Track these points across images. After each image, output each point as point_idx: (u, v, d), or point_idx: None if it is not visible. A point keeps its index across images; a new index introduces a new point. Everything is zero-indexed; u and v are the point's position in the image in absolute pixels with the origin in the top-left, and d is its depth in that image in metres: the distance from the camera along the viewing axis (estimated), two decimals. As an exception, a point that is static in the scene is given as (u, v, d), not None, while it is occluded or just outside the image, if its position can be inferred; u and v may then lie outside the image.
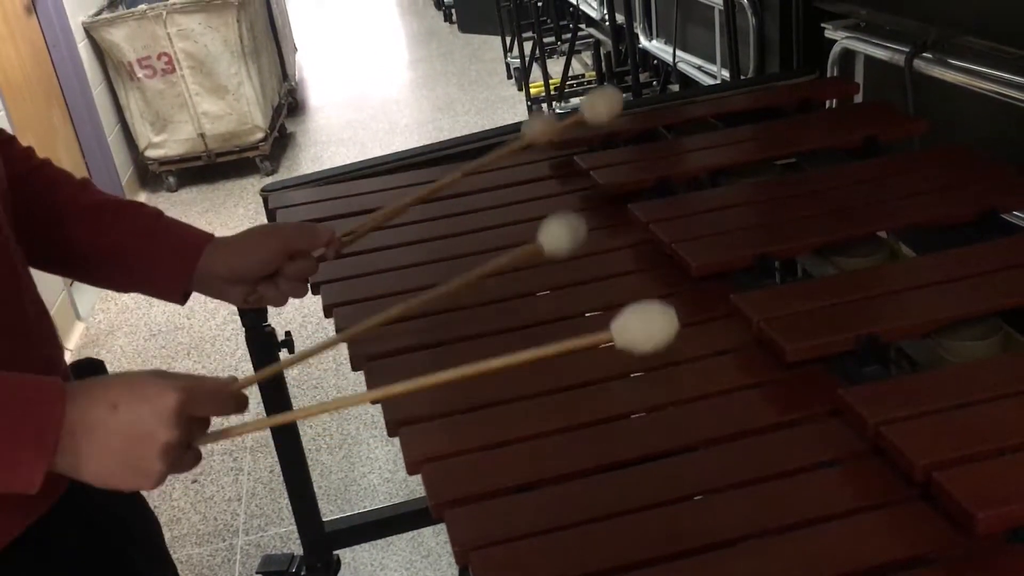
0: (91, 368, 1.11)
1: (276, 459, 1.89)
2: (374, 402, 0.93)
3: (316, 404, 1.04)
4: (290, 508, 1.93)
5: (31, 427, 0.77)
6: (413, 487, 2.51)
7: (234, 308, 1.39)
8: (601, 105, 1.16)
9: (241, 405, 0.88)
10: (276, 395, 1.75)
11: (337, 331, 1.21)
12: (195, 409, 0.82)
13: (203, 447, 0.86)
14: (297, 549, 1.98)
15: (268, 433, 1.88)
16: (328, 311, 1.28)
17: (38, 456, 0.77)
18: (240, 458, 2.80)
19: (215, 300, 1.15)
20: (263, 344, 1.70)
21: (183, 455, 0.83)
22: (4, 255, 0.94)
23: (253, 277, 1.07)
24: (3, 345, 0.91)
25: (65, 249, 1.07)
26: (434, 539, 2.33)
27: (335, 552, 1.98)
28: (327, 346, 1.02)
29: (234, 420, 0.90)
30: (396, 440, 1.01)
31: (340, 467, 2.69)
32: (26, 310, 0.97)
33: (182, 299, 1.09)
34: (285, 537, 2.45)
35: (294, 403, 1.85)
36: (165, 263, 1.07)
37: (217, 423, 0.88)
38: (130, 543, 1.10)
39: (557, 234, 0.99)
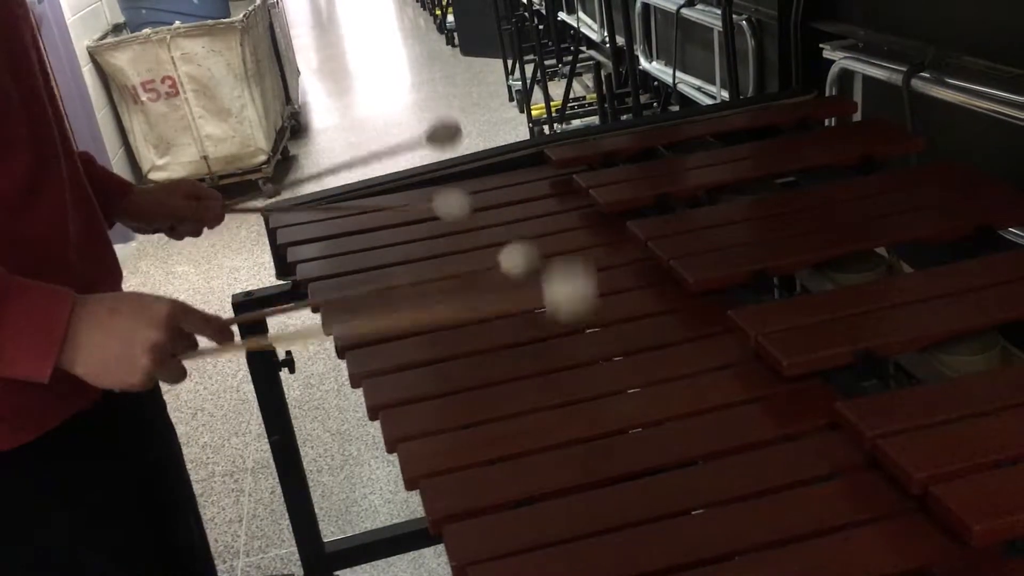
0: None
1: (277, 480, 1.89)
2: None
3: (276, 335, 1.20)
4: (291, 529, 1.93)
5: (44, 324, 0.92)
6: (414, 508, 2.50)
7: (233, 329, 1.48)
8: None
9: (222, 332, 1.03)
10: (277, 414, 1.76)
11: (338, 351, 1.22)
12: (182, 322, 0.97)
13: (186, 381, 1.02)
14: (298, 570, 1.98)
15: (269, 455, 1.89)
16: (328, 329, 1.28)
17: (48, 348, 0.92)
18: (241, 479, 2.80)
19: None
20: (264, 364, 1.70)
21: (168, 361, 0.96)
22: (87, 198, 1.15)
23: (153, 227, 1.36)
24: (89, 275, 1.09)
25: None
26: (435, 560, 2.32)
27: (336, 573, 1.98)
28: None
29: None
30: (397, 461, 1.01)
31: (341, 488, 2.69)
32: (106, 245, 1.19)
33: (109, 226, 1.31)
34: (286, 559, 2.44)
35: (295, 424, 1.85)
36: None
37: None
38: (162, 457, 1.29)
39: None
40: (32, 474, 1.08)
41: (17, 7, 1.08)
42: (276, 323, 1.88)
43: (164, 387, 1.36)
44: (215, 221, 1.39)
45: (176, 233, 1.38)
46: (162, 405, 1.36)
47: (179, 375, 0.99)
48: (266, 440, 1.83)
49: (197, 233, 1.39)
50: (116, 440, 1.17)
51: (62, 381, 0.97)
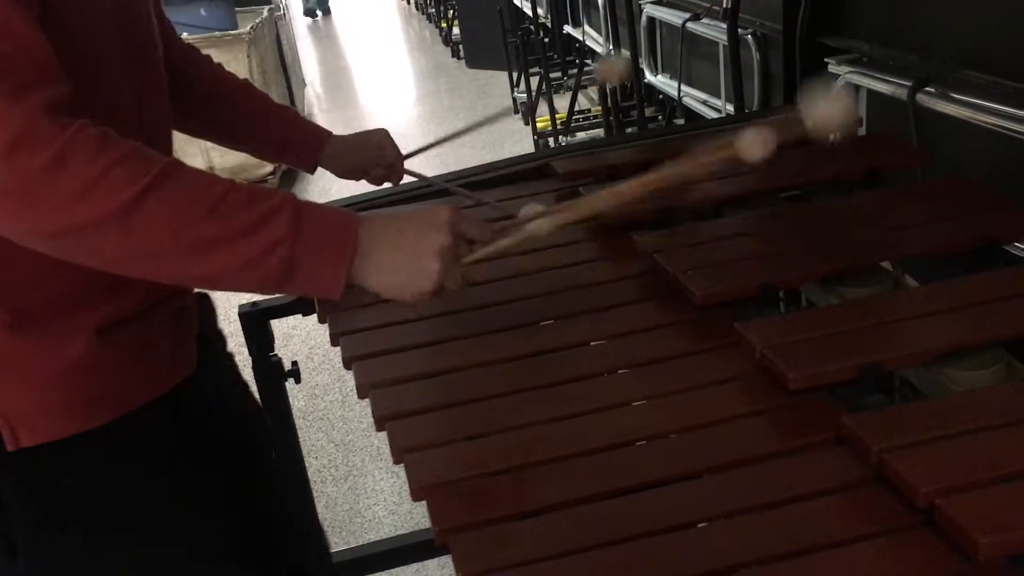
0: None
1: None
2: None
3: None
4: (295, 539, 1.92)
5: (336, 242, 0.97)
6: (418, 519, 2.50)
7: (239, 339, 1.59)
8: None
9: (497, 235, 1.08)
10: (282, 424, 1.76)
11: (344, 362, 1.22)
12: (462, 225, 1.03)
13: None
14: (301, 581, 1.97)
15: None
16: (334, 340, 1.29)
17: (340, 264, 0.97)
18: (245, 489, 2.79)
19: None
20: (270, 374, 1.71)
21: (453, 265, 1.02)
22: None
23: (353, 171, 1.52)
24: None
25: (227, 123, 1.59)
26: (439, 571, 2.32)
27: (339, 584, 1.97)
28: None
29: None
30: (401, 472, 1.01)
31: (345, 499, 2.69)
32: None
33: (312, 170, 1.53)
34: (289, 569, 2.44)
35: (300, 434, 1.85)
36: (301, 151, 1.50)
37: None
38: (248, 437, 1.31)
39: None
40: (124, 448, 1.10)
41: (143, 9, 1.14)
42: (280, 333, 1.86)
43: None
44: (395, 174, 1.55)
45: (371, 178, 1.54)
46: (246, 388, 1.39)
47: (461, 282, 1.04)
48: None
49: (390, 181, 1.57)
50: (207, 417, 1.19)
51: (151, 363, 1.07)
